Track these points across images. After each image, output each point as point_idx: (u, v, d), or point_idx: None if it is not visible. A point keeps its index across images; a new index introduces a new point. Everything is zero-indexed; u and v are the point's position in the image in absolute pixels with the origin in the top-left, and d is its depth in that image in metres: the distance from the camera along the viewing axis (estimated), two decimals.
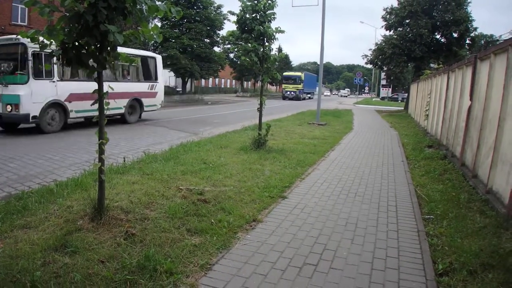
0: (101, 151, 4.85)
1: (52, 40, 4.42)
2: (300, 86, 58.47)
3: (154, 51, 43.81)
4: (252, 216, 5.53)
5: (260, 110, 11.12)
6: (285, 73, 60.16)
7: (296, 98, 57.36)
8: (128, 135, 13.74)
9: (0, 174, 7.80)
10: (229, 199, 6.19)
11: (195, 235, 4.79)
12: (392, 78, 35.36)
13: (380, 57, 32.81)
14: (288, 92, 58.29)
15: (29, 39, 4.40)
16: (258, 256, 4.34)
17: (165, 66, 43.45)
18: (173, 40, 40.17)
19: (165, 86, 40.22)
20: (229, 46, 58.18)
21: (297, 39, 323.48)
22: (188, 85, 49.56)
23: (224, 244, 4.58)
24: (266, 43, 10.59)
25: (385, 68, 35.21)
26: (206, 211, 5.55)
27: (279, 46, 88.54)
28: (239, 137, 13.07)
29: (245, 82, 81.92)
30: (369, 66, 40.69)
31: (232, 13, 10.21)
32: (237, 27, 10.81)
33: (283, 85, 60.44)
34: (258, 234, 4.98)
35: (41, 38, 4.45)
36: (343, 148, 12.38)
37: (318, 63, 22.71)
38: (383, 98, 77.12)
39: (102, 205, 4.98)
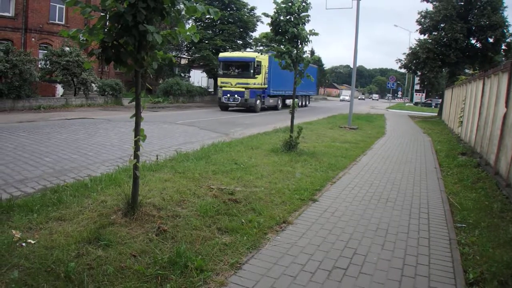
0: (136, 148, 4.96)
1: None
2: (256, 82, 28.44)
3: (187, 51, 44.38)
4: (282, 217, 5.55)
5: (292, 112, 11.13)
6: (222, 54, 30.87)
7: (246, 105, 28.25)
8: (160, 134, 13.95)
9: (36, 168, 8.05)
10: (259, 200, 6.22)
11: (225, 234, 4.85)
12: (426, 83, 34.56)
13: (414, 61, 32.18)
14: (227, 95, 28.33)
15: None
16: (287, 258, 4.35)
17: (198, 66, 43.90)
18: (206, 41, 40.51)
19: (197, 87, 40.68)
20: (261, 47, 57.58)
21: (327, 43, 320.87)
22: None
23: (254, 244, 4.62)
24: (300, 45, 10.58)
25: (419, 73, 34.53)
26: (237, 211, 5.60)
27: (312, 48, 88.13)
28: (270, 138, 13.10)
29: None
30: (403, 70, 40.00)
31: (266, 15, 10.22)
32: (271, 29, 10.84)
33: (219, 80, 29.75)
34: (288, 236, 4.99)
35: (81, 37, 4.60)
36: (375, 153, 12.23)
37: (351, 66, 22.53)
38: (416, 104, 75.60)
39: (136, 201, 5.10)
